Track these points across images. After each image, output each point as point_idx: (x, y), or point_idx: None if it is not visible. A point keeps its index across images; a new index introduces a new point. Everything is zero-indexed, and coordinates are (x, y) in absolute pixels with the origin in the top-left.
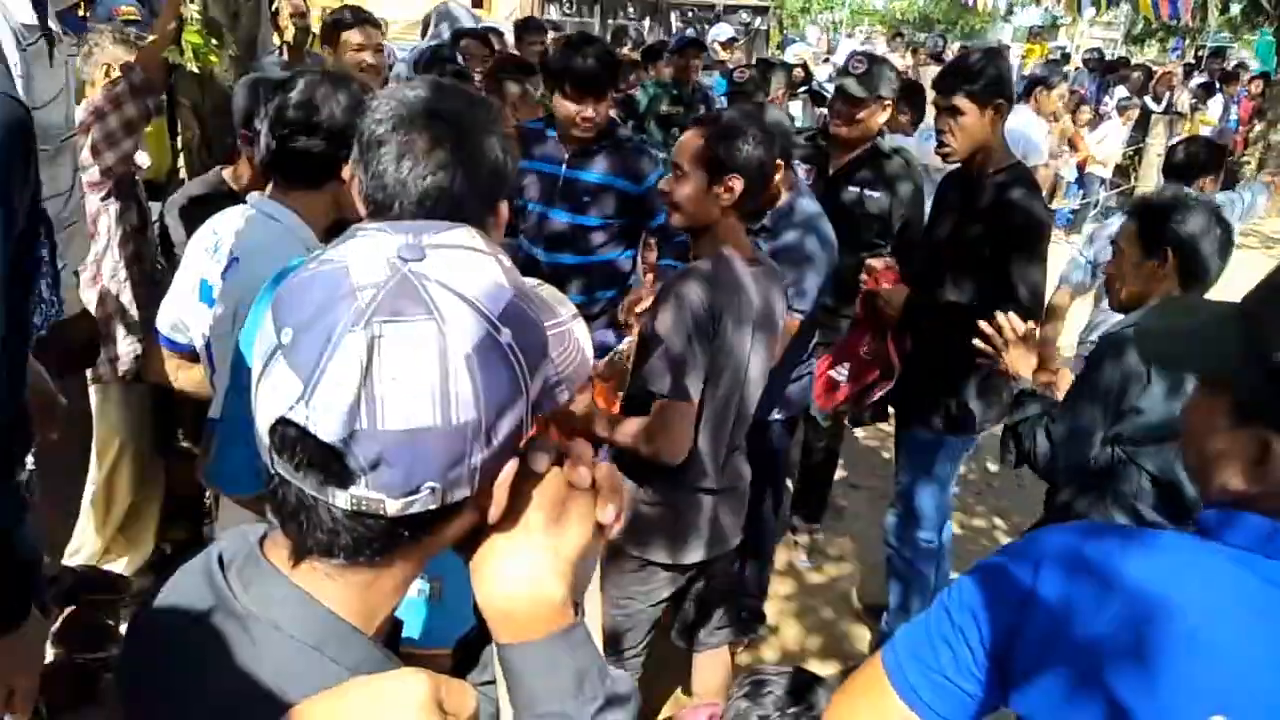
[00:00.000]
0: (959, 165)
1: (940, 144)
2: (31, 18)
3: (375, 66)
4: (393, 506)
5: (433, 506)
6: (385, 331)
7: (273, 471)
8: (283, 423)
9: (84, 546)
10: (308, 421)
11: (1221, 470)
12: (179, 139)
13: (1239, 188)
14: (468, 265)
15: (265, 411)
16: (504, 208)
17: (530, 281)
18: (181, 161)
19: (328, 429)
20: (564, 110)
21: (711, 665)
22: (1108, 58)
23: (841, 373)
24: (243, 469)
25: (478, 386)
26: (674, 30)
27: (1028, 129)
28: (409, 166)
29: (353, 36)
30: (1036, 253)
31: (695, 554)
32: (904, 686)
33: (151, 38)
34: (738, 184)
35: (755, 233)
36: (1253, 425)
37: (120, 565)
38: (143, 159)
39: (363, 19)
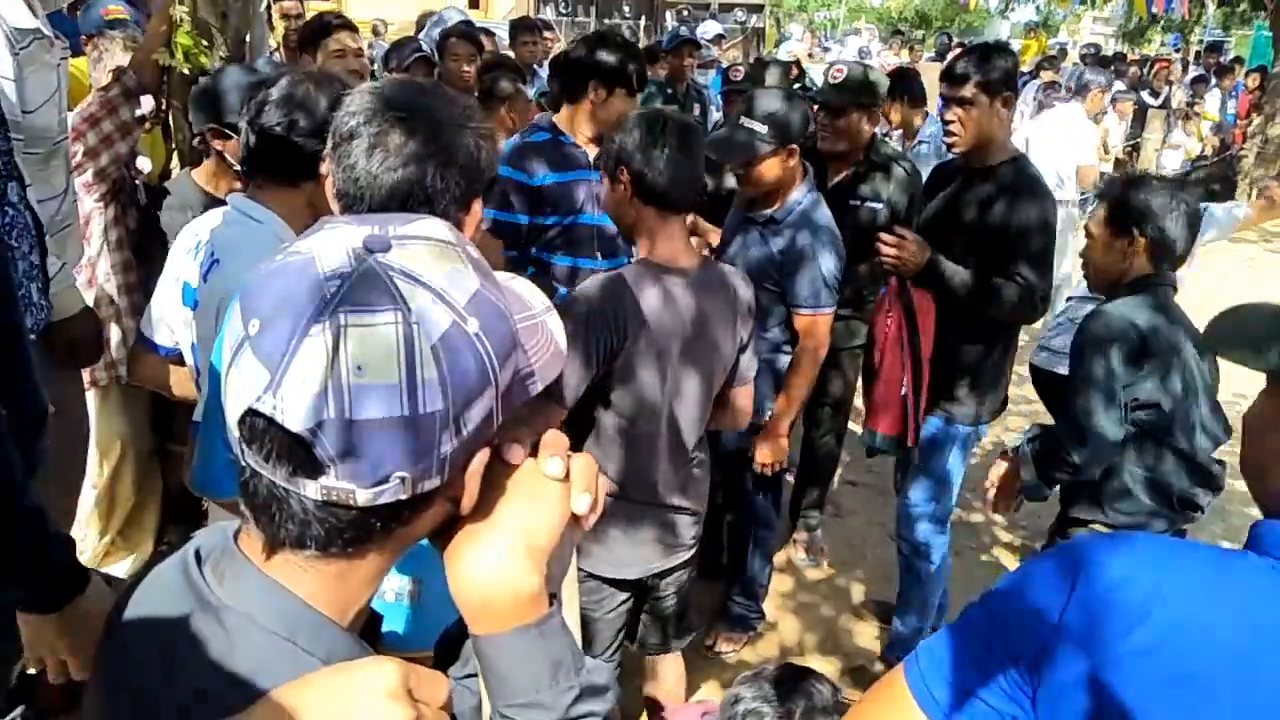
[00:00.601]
0: (957, 156)
1: (948, 133)
2: (25, 21)
3: (358, 71)
4: (362, 496)
5: (403, 496)
6: (351, 321)
7: (244, 464)
8: (251, 413)
9: (85, 550)
10: (275, 411)
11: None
12: (172, 141)
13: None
14: (434, 256)
15: (234, 403)
16: (478, 205)
17: (502, 275)
18: (175, 163)
19: (295, 418)
20: (624, 108)
21: (663, 667)
22: (1105, 53)
23: (905, 384)
24: (224, 473)
25: (445, 376)
26: (668, 29)
27: (1077, 127)
28: (380, 159)
29: (334, 42)
30: (1039, 243)
31: (637, 568)
32: (928, 701)
33: (143, 42)
34: (624, 174)
35: (764, 224)
36: None
37: (120, 568)
38: (144, 163)
39: (344, 24)
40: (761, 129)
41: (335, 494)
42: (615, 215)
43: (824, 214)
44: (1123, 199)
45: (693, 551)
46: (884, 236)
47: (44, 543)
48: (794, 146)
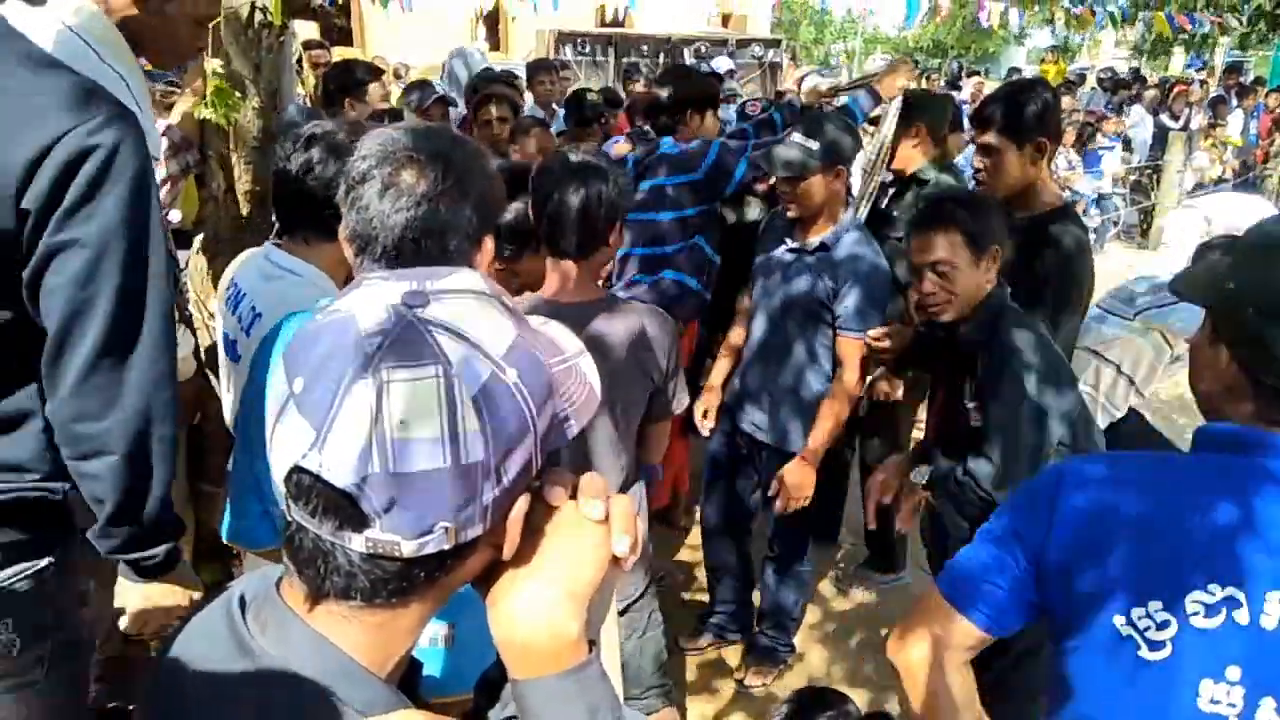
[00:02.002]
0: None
1: (978, 182)
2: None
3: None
4: (408, 548)
5: (446, 546)
6: (393, 377)
7: (290, 518)
8: (297, 470)
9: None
10: (321, 468)
11: (1203, 379)
12: (206, 190)
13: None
14: (471, 309)
15: (280, 460)
16: (489, 242)
17: (536, 320)
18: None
19: (341, 474)
20: (715, 126)
21: None
22: (1125, 76)
23: None
24: (257, 524)
25: (485, 426)
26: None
27: (1252, 207)
28: (393, 199)
29: (377, 88)
30: (1069, 305)
31: None
32: (957, 595)
33: (183, 95)
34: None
35: (812, 252)
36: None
37: None
38: (174, 215)
39: (376, 72)
40: (813, 145)
41: (381, 546)
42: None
43: (870, 239)
44: (978, 218)
45: (629, 601)
46: (869, 336)
47: (171, 520)
48: (841, 168)
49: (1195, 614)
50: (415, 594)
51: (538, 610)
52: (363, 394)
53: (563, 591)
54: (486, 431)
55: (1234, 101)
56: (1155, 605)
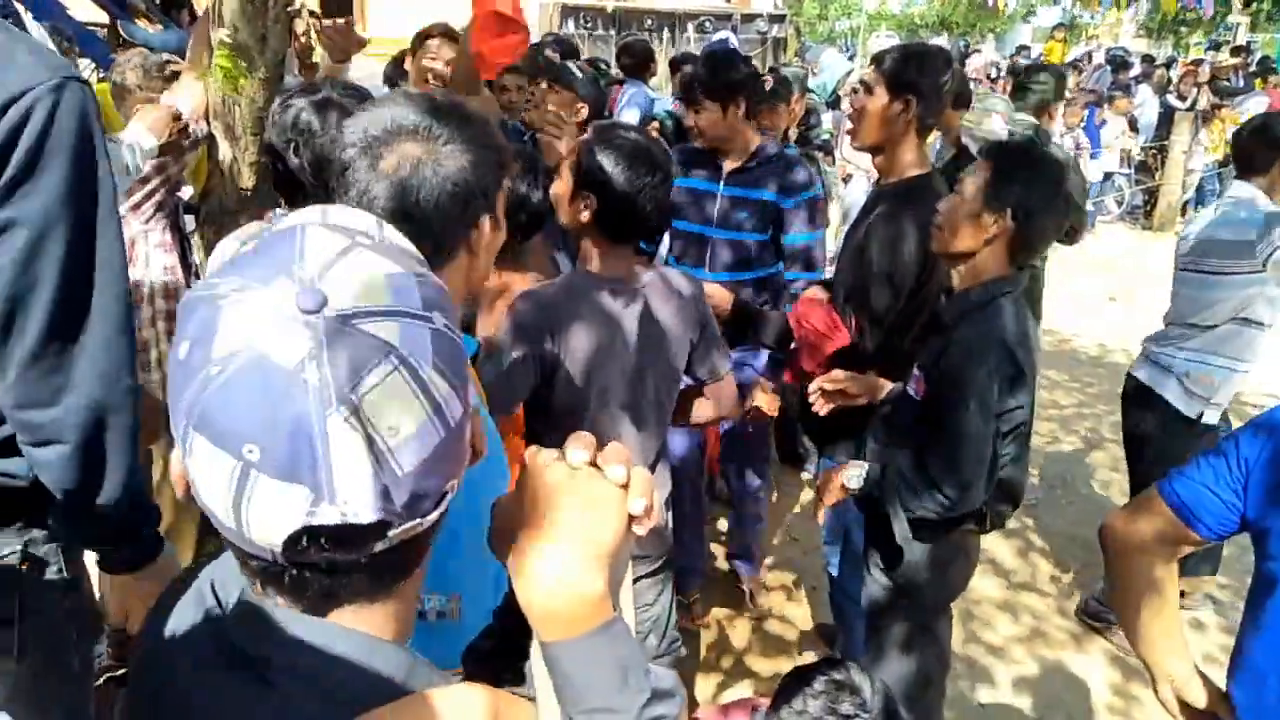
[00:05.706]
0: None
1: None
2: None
3: (442, 76)
4: (429, 520)
5: (452, 495)
6: (359, 394)
7: (293, 574)
8: (308, 531)
9: None
10: (345, 516)
11: None
12: (212, 161)
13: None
14: (358, 274)
15: (272, 531)
16: (486, 223)
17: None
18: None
19: (366, 510)
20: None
21: None
22: (1133, 57)
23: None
24: None
25: (449, 379)
26: (689, 41)
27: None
28: (375, 191)
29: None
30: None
31: None
32: (1171, 495)
33: (186, 69)
34: (590, 201)
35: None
36: None
37: None
38: (185, 191)
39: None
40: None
41: (405, 535)
42: (565, 217)
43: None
44: (1009, 168)
45: (656, 565)
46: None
47: (143, 512)
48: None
49: None
50: (426, 551)
51: (562, 572)
52: (340, 426)
53: (585, 553)
54: (452, 383)
55: (1240, 81)
56: None
